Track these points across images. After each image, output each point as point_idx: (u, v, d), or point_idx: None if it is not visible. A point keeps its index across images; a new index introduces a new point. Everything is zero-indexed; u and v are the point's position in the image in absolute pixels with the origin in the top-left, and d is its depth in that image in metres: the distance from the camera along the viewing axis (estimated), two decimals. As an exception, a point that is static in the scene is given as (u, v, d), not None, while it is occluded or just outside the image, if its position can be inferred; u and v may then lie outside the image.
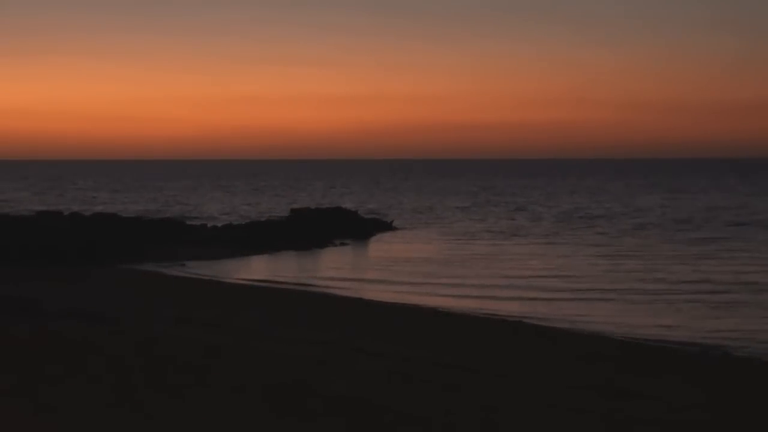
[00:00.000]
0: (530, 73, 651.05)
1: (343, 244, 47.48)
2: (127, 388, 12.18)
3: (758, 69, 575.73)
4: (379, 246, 47.71)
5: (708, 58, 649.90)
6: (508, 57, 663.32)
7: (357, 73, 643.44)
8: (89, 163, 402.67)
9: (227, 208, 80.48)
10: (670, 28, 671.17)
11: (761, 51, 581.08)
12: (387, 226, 57.73)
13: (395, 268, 36.97)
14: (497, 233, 54.22)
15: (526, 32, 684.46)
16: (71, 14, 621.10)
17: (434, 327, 23.04)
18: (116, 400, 11.58)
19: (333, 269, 37.84)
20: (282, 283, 32.66)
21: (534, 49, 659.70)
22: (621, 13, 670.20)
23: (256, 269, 37.74)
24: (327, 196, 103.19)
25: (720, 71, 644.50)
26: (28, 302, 21.02)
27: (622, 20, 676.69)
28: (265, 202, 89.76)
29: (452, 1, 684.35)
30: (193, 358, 14.65)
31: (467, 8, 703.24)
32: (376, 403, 12.10)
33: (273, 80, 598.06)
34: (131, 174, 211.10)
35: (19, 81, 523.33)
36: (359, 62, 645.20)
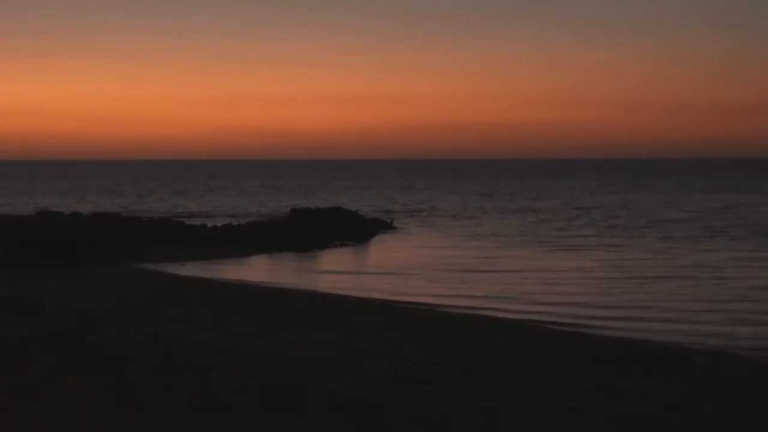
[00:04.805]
0: (528, 73, 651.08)
1: (343, 244, 47.47)
2: (127, 387, 12.18)
3: (756, 69, 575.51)
4: (380, 246, 47.70)
5: (706, 58, 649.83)
6: (506, 57, 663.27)
7: (356, 74, 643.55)
8: (89, 163, 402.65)
9: (262, 209, 79.25)
10: (667, 28, 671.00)
11: (759, 51, 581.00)
12: (387, 226, 57.77)
13: (395, 269, 36.95)
14: (503, 235, 54.17)
15: (524, 32, 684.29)
16: (71, 15, 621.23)
17: (434, 327, 23.03)
18: (117, 399, 11.58)
19: (333, 269, 37.84)
20: (282, 283, 32.65)
21: (531, 49, 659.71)
22: (618, 13, 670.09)
23: (256, 269, 37.73)
24: (344, 195, 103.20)
25: (717, 71, 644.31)
26: (28, 302, 21.01)
27: (620, 20, 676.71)
28: (281, 203, 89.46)
29: (451, 1, 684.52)
30: (193, 358, 14.65)
31: (466, 8, 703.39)
32: (376, 403, 12.10)
33: (273, 80, 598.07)
34: (133, 174, 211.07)
35: (20, 81, 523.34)
36: (359, 62, 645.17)
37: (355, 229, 52.84)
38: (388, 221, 59.72)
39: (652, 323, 24.14)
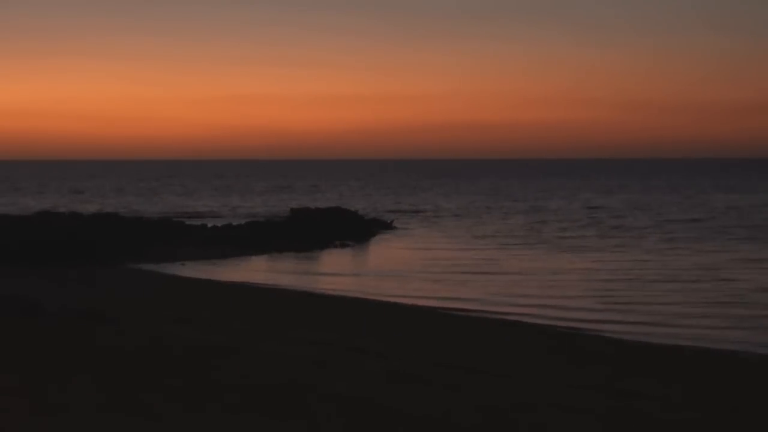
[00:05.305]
0: (528, 73, 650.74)
1: (343, 244, 47.44)
2: (127, 388, 12.17)
3: (755, 69, 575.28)
4: (380, 247, 47.71)
5: (705, 58, 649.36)
6: (506, 57, 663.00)
7: (356, 74, 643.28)
8: (89, 163, 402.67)
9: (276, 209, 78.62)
10: (667, 28, 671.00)
11: (758, 51, 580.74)
12: (387, 226, 57.78)
13: (395, 269, 36.95)
14: (505, 236, 54.13)
15: (523, 32, 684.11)
16: (71, 15, 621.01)
17: (434, 327, 23.03)
18: (116, 400, 11.58)
19: (333, 269, 37.85)
20: (282, 283, 32.63)
21: (531, 49, 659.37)
22: (617, 14, 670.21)
23: (255, 269, 37.73)
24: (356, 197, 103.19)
25: (716, 71, 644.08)
26: (28, 302, 21.00)
27: (619, 20, 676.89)
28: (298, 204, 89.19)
29: (451, 1, 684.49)
30: (193, 358, 14.64)
31: (466, 8, 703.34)
32: (376, 403, 12.10)
33: (273, 80, 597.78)
34: (133, 174, 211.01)
35: (20, 81, 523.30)
36: (359, 62, 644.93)
37: (355, 230, 52.85)
38: (389, 221, 59.73)
39: (651, 324, 24.13)
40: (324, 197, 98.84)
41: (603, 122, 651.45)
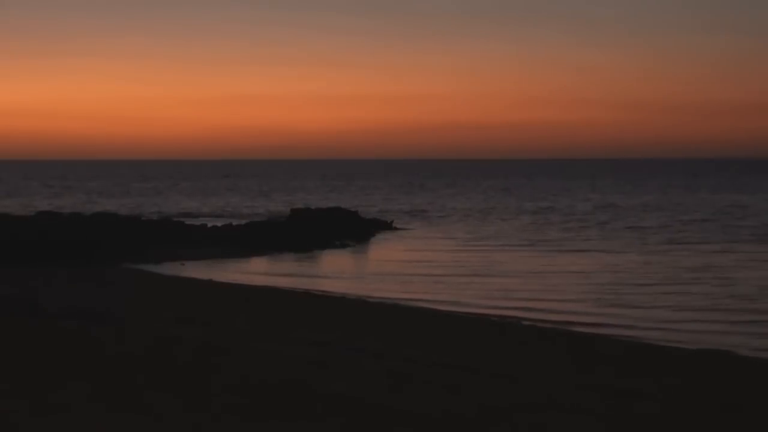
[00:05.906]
0: (528, 73, 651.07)
1: (343, 245, 47.45)
2: (127, 388, 12.16)
3: (755, 69, 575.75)
4: (380, 247, 47.72)
5: (705, 58, 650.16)
6: (505, 57, 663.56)
7: (356, 74, 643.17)
8: (89, 163, 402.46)
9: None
10: (667, 27, 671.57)
11: (759, 51, 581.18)
12: (387, 226, 57.77)
13: (395, 269, 36.94)
14: (506, 236, 54.09)
15: (523, 32, 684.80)
16: (71, 15, 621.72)
17: (434, 327, 23.02)
18: (116, 400, 11.57)
19: (333, 269, 37.83)
20: (282, 283, 32.62)
21: (531, 49, 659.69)
22: (618, 14, 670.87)
23: (255, 269, 37.73)
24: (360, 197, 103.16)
25: (716, 71, 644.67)
26: (28, 302, 20.99)
27: (619, 20, 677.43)
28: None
29: (451, 1, 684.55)
30: (193, 358, 14.63)
31: (466, 8, 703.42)
32: (375, 403, 12.08)
33: (273, 80, 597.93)
34: (133, 174, 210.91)
35: (20, 81, 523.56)
36: (359, 62, 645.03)
37: (355, 230, 52.86)
38: (389, 221, 59.73)
39: (652, 325, 24.13)
40: (326, 197, 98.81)
41: (603, 122, 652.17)
